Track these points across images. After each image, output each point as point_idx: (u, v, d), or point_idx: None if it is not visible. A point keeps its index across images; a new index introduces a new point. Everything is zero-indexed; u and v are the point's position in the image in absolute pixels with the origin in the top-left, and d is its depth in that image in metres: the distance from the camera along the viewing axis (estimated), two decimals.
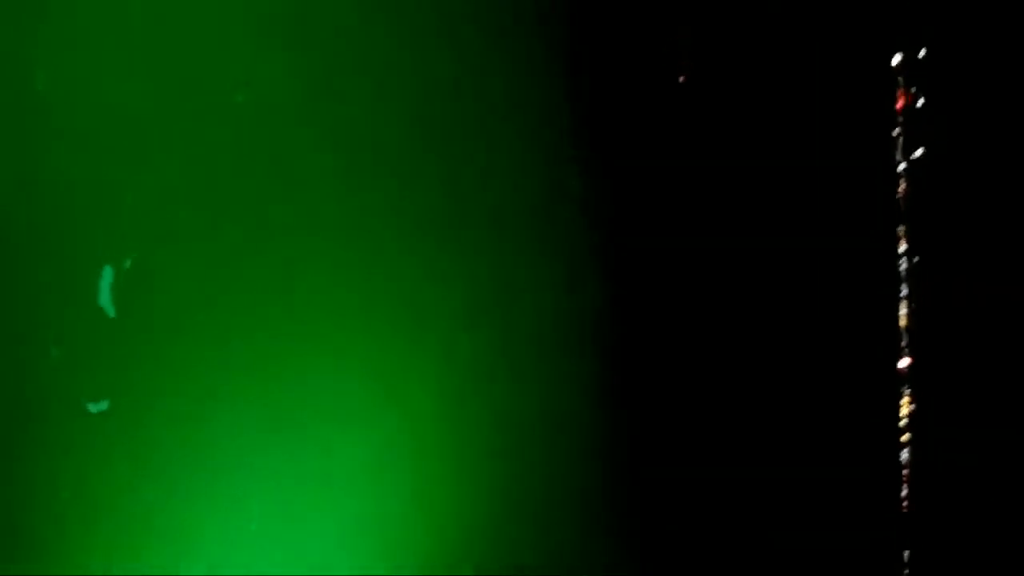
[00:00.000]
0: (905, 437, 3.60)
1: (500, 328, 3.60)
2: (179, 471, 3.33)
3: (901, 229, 3.64)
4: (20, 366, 3.26)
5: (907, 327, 3.62)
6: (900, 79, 3.64)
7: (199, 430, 3.35)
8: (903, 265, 3.63)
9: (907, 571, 3.56)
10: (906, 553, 3.57)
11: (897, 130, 3.64)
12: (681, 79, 3.69)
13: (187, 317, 3.39)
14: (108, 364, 3.32)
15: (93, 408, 3.29)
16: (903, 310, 3.63)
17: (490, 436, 3.56)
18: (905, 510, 3.57)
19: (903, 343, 3.62)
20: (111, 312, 3.35)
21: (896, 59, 3.65)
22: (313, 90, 3.45)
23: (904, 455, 3.59)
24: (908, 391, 3.60)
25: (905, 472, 3.58)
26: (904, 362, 3.61)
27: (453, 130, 3.56)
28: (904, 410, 3.60)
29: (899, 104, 3.65)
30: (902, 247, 3.64)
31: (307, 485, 3.41)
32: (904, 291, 3.63)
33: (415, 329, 3.53)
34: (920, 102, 3.63)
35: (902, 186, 3.64)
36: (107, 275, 3.33)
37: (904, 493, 3.58)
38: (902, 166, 3.64)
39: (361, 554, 3.40)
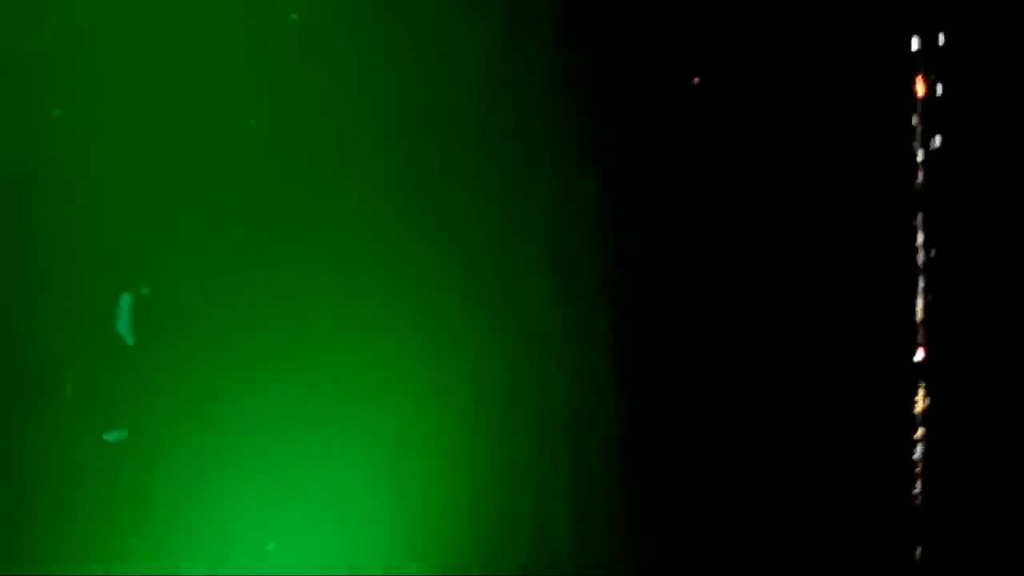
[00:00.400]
0: (920, 432, 3.59)
1: (511, 330, 3.49)
2: (192, 477, 3.10)
3: (919, 220, 3.59)
4: (36, 397, 2.96)
5: (924, 320, 3.59)
6: (919, 67, 3.57)
7: (207, 430, 3.12)
8: (920, 257, 3.59)
9: (921, 567, 3.57)
10: (919, 550, 3.58)
11: (916, 119, 3.58)
12: (696, 80, 3.54)
13: (206, 338, 3.11)
14: (127, 392, 3.03)
15: (110, 438, 3.01)
16: (920, 303, 3.59)
17: (501, 437, 3.45)
18: (919, 507, 3.58)
19: (919, 336, 3.59)
20: (130, 340, 3.01)
21: (915, 46, 3.57)
22: (326, 98, 3.22)
23: (919, 452, 3.59)
24: (924, 385, 3.58)
25: (919, 470, 3.58)
26: (920, 355, 3.58)
27: (465, 132, 3.40)
28: (920, 404, 3.59)
29: (918, 93, 3.58)
30: (919, 238, 3.59)
31: (315, 486, 3.24)
32: (921, 283, 3.59)
33: (425, 331, 3.37)
34: (939, 90, 3.57)
35: (920, 176, 3.58)
36: (125, 302, 2.99)
37: (918, 490, 3.58)
38: (920, 156, 3.58)
39: (367, 554, 3.24)
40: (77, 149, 2.99)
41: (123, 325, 3.00)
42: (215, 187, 3.11)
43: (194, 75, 3.07)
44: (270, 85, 3.16)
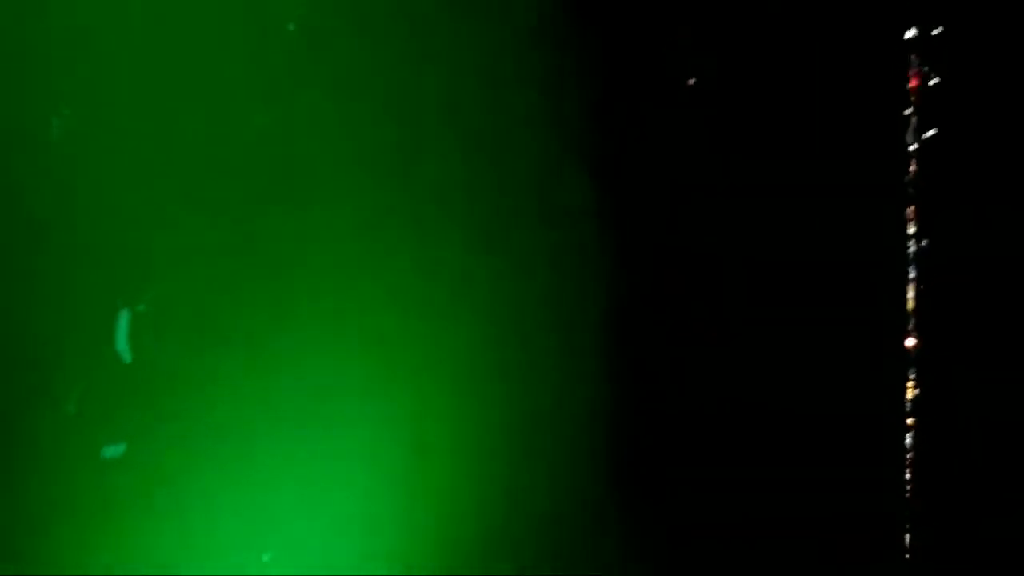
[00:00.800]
0: (909, 421, 3.62)
1: (507, 332, 3.50)
2: (189, 490, 3.16)
3: (911, 209, 3.60)
4: (37, 414, 3.03)
5: (915, 309, 3.62)
6: (913, 59, 3.56)
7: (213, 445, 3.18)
8: (912, 247, 3.61)
9: (911, 554, 3.62)
10: (908, 538, 3.62)
11: (909, 110, 3.58)
12: (691, 81, 3.53)
13: (200, 354, 3.16)
14: (125, 408, 3.09)
15: (108, 453, 3.08)
16: (911, 292, 3.62)
17: (497, 443, 3.48)
18: (909, 496, 3.62)
19: (910, 325, 3.62)
20: (127, 357, 3.06)
21: (909, 34, 3.56)
22: (326, 109, 3.24)
23: (908, 441, 3.63)
24: (914, 373, 3.62)
25: (909, 458, 3.62)
26: (911, 342, 3.61)
27: (464, 132, 3.41)
28: (910, 392, 3.62)
29: (912, 84, 3.57)
30: (911, 229, 3.61)
31: (308, 497, 3.29)
32: (912, 273, 3.61)
33: (421, 339, 3.41)
34: (933, 82, 3.56)
35: (912, 167, 3.59)
36: (123, 320, 3.04)
37: (908, 478, 3.62)
38: (913, 147, 3.59)
39: (362, 563, 3.30)
40: (76, 167, 3.02)
41: (121, 342, 3.05)
42: (209, 202, 3.14)
43: (195, 94, 3.09)
44: (271, 100, 3.17)
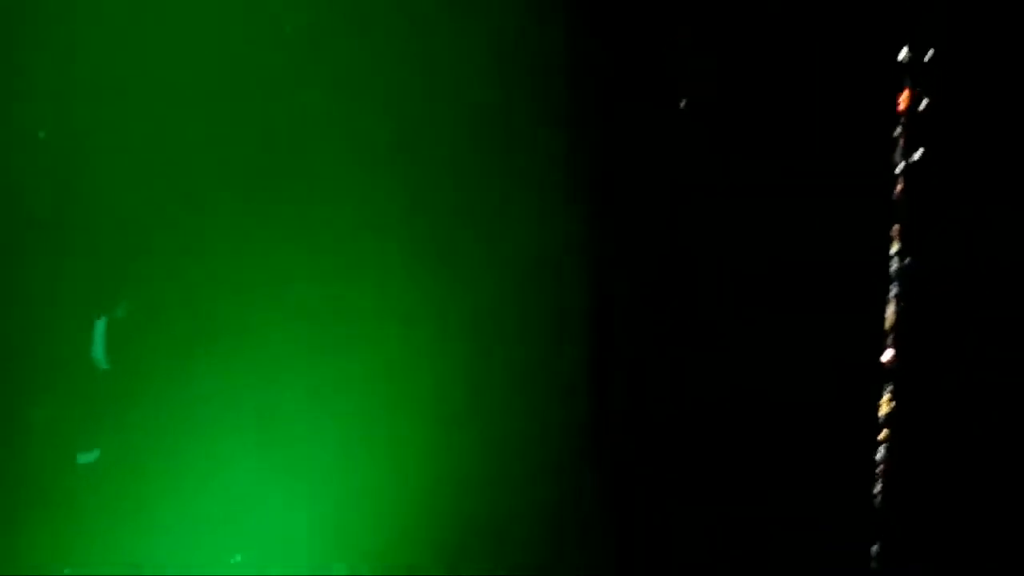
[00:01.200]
0: (883, 435, 3.66)
1: (510, 328, 3.54)
2: (160, 495, 3.22)
3: (895, 229, 3.62)
4: (12, 419, 3.09)
5: (893, 325, 3.64)
6: (905, 80, 3.55)
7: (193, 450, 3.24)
8: (894, 265, 3.62)
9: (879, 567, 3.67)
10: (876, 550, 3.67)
11: (898, 130, 3.57)
12: (682, 103, 3.54)
13: (175, 361, 3.21)
14: (99, 415, 3.15)
15: (82, 459, 3.14)
16: (890, 310, 3.64)
17: (494, 438, 3.54)
18: (878, 508, 3.66)
19: (888, 342, 3.65)
20: (103, 364, 3.12)
21: (902, 55, 3.54)
22: (309, 125, 3.25)
23: (880, 454, 3.67)
24: (890, 388, 3.65)
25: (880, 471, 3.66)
26: (887, 356, 3.64)
27: (469, 133, 3.45)
28: (884, 407, 3.66)
29: (902, 105, 3.56)
30: (894, 247, 3.62)
31: (279, 500, 3.36)
32: (894, 291, 3.63)
33: (426, 329, 3.47)
34: (923, 104, 3.56)
35: (899, 186, 3.60)
36: (100, 328, 3.09)
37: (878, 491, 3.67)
38: (900, 167, 3.59)
39: (332, 564, 3.37)
40: (58, 172, 3.05)
41: (97, 350, 3.10)
42: (200, 205, 3.17)
43: (194, 92, 3.10)
44: (270, 100, 3.18)
